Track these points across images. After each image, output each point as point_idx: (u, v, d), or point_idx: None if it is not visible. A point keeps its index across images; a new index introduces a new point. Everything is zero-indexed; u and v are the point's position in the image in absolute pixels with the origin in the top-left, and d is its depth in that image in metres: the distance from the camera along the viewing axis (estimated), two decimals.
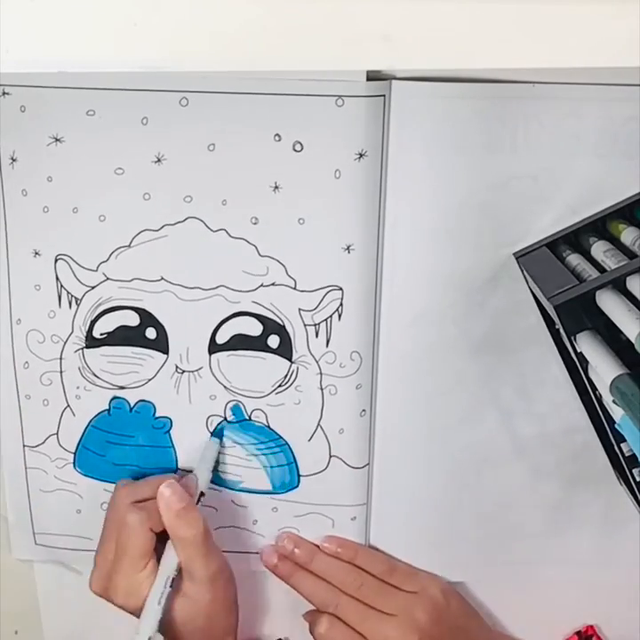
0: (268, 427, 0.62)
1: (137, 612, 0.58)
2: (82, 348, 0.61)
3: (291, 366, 0.60)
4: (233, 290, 0.59)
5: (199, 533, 0.57)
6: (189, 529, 0.57)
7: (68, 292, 0.60)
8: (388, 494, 0.63)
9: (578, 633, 0.66)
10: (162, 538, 0.59)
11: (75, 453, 0.64)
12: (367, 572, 0.63)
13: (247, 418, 0.62)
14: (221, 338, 0.60)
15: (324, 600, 0.62)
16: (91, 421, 0.63)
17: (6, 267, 0.60)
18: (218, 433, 0.62)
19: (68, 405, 0.63)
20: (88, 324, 0.61)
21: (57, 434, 0.63)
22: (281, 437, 0.62)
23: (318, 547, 0.64)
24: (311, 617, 0.63)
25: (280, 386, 0.61)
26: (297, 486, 0.63)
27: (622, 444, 0.54)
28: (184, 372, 0.61)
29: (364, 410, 0.61)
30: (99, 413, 0.63)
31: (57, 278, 0.60)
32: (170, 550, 0.58)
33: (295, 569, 0.63)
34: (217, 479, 0.63)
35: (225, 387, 0.61)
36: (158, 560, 0.58)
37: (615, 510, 0.62)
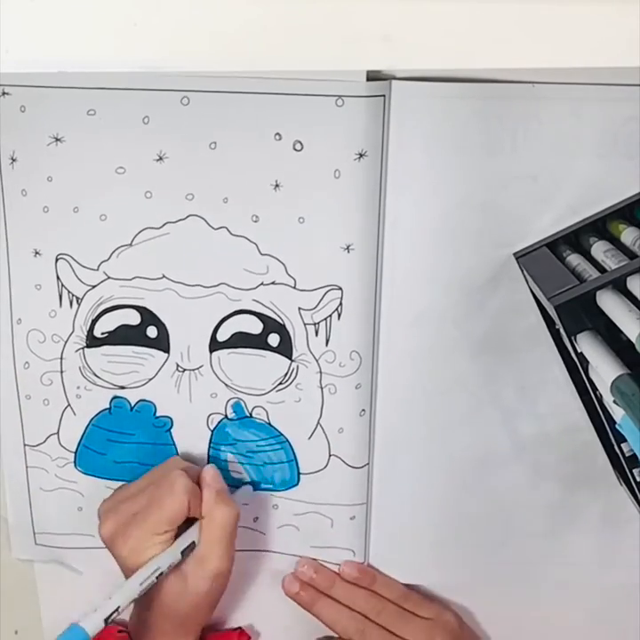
0: (269, 423, 0.62)
1: (130, 573, 0.57)
2: (82, 348, 0.61)
3: (291, 365, 0.60)
4: (234, 288, 0.59)
5: (231, 520, 0.58)
6: (225, 512, 0.57)
7: (69, 292, 0.60)
8: (388, 494, 0.63)
9: None
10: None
11: (75, 452, 0.64)
12: (384, 597, 0.63)
13: (248, 415, 0.62)
14: (222, 336, 0.60)
15: (347, 627, 0.63)
16: (91, 420, 0.63)
17: (7, 266, 0.60)
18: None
19: (69, 405, 0.63)
20: (89, 324, 0.61)
21: (57, 433, 0.63)
22: (281, 434, 0.62)
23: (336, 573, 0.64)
24: None
25: (280, 384, 0.61)
26: (297, 484, 0.63)
27: (622, 445, 0.54)
28: (185, 370, 0.61)
29: (363, 409, 0.61)
30: (99, 412, 0.63)
31: (58, 278, 0.60)
32: (181, 541, 0.58)
33: (318, 596, 0.64)
34: None
35: (226, 384, 0.61)
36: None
37: (615, 511, 0.62)
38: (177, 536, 0.58)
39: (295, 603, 0.64)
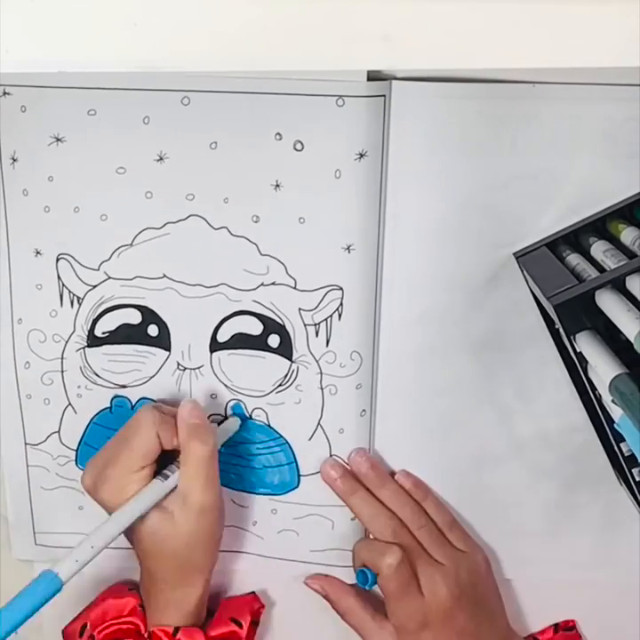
0: (269, 425, 0.62)
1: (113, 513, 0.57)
2: (83, 348, 0.61)
3: (291, 366, 0.60)
4: (234, 288, 0.59)
5: (207, 453, 0.57)
6: (201, 445, 0.57)
7: (70, 291, 0.60)
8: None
9: (555, 625, 0.65)
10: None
11: (76, 450, 0.64)
12: (430, 517, 0.62)
13: (248, 417, 0.62)
14: (222, 336, 0.60)
15: (384, 527, 0.60)
16: (92, 419, 0.63)
17: (8, 266, 0.60)
18: (239, 413, 0.62)
19: (70, 404, 0.63)
20: (90, 323, 0.61)
21: (59, 431, 0.64)
22: (281, 436, 0.62)
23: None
24: (372, 547, 0.61)
25: (280, 385, 0.61)
26: (297, 486, 0.63)
27: (622, 444, 0.54)
28: (185, 369, 0.61)
29: (364, 410, 0.61)
30: (100, 411, 0.63)
31: (58, 277, 0.60)
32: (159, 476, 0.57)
33: (357, 487, 0.61)
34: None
35: (226, 385, 0.61)
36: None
37: (615, 510, 0.62)
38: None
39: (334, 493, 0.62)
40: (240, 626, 0.62)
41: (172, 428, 0.57)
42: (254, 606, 0.64)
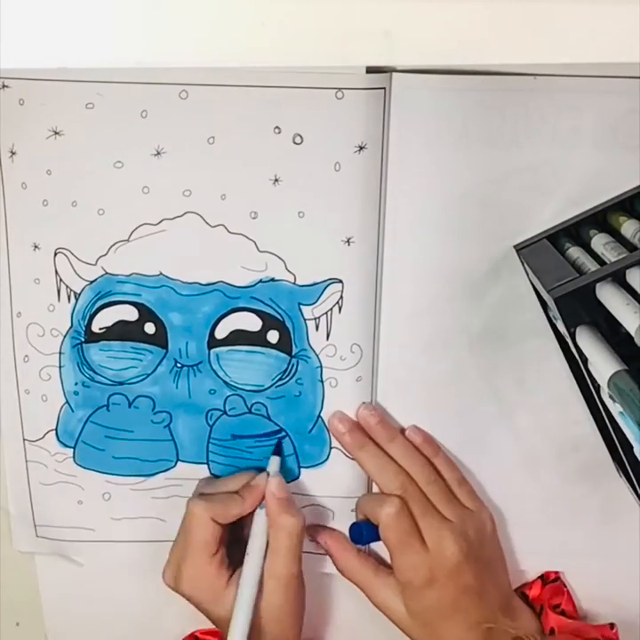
0: (269, 418, 0.62)
1: (202, 606, 0.59)
2: (81, 343, 0.61)
3: (290, 360, 0.60)
4: (231, 286, 0.59)
5: (299, 526, 0.58)
6: (291, 518, 0.58)
7: (67, 286, 0.60)
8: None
9: (541, 577, 0.65)
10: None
11: (74, 448, 0.64)
12: (440, 473, 0.61)
13: (247, 411, 0.62)
14: (220, 333, 0.60)
15: (392, 480, 0.59)
16: (89, 416, 0.63)
17: (6, 259, 0.60)
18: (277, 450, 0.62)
19: (67, 402, 0.62)
20: (87, 319, 0.61)
21: (56, 429, 0.63)
22: (282, 429, 0.62)
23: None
24: (372, 498, 0.61)
25: (280, 380, 0.61)
26: (297, 478, 0.63)
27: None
28: (183, 366, 0.61)
29: (364, 402, 0.61)
30: (97, 409, 0.63)
31: (56, 272, 0.60)
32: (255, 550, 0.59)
33: (366, 441, 0.60)
34: (219, 471, 0.63)
35: (224, 382, 0.61)
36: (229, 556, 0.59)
37: (614, 502, 0.62)
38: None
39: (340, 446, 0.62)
40: None
41: (222, 506, 0.58)
42: None
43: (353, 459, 0.61)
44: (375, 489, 0.62)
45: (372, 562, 0.62)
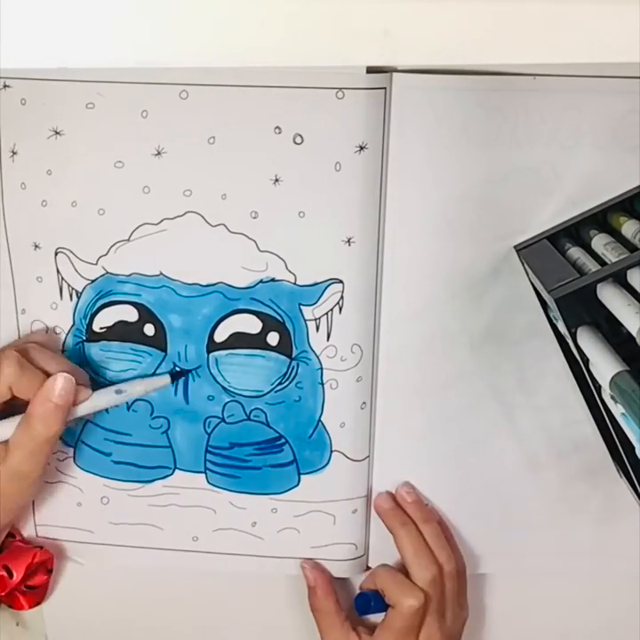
0: (268, 425, 0.61)
1: None
2: (82, 342, 0.61)
3: (291, 363, 0.60)
4: (232, 287, 0.59)
5: (42, 438, 0.54)
6: (42, 428, 0.54)
7: (69, 285, 0.60)
8: (388, 487, 0.63)
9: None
10: None
11: (74, 448, 0.64)
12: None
13: (246, 418, 0.61)
14: (220, 336, 0.60)
15: (424, 570, 0.60)
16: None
17: (8, 258, 0.60)
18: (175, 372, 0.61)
19: None
20: (88, 318, 0.61)
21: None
22: (281, 436, 0.62)
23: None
24: (398, 582, 0.61)
25: (280, 384, 0.60)
26: (297, 485, 0.63)
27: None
28: (182, 370, 0.61)
29: (364, 402, 0.61)
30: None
31: (57, 271, 0.60)
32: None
33: (408, 521, 0.61)
34: (216, 480, 0.63)
35: (223, 387, 0.61)
36: None
37: (614, 502, 0.62)
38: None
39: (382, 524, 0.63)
40: (11, 575, 0.61)
41: (29, 382, 0.55)
42: (37, 558, 0.63)
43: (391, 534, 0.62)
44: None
45: (344, 614, 0.63)
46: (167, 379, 0.60)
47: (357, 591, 0.64)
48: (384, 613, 0.61)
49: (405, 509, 0.62)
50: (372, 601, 0.61)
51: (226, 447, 0.62)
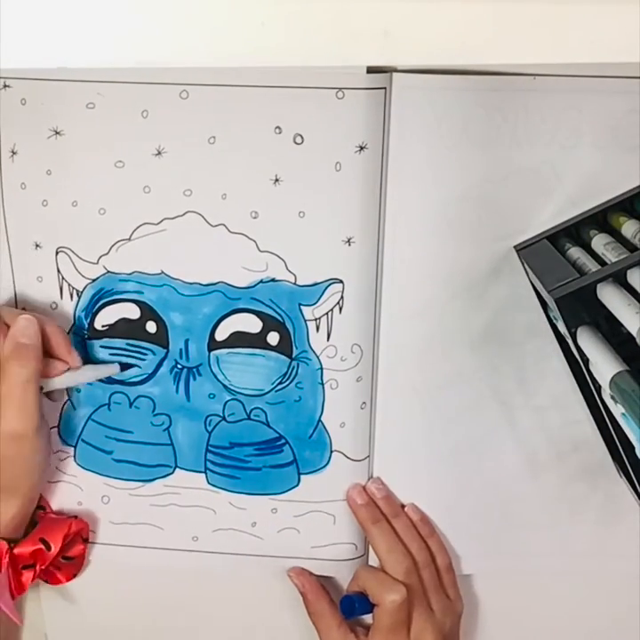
0: (268, 425, 0.62)
1: None
2: (84, 340, 0.61)
3: (291, 363, 0.60)
4: (232, 286, 0.59)
5: (23, 377, 0.54)
6: (19, 368, 0.54)
7: (70, 285, 0.60)
8: (388, 486, 0.63)
9: None
10: None
11: (75, 447, 0.64)
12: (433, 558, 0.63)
13: (246, 417, 0.62)
14: (220, 335, 0.60)
15: (398, 564, 0.61)
16: (90, 415, 0.63)
17: (8, 258, 0.60)
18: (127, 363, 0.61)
19: (69, 399, 0.63)
20: (90, 316, 0.61)
21: (58, 427, 0.63)
22: (281, 436, 0.62)
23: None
24: (379, 580, 0.61)
25: (280, 383, 0.60)
26: (297, 485, 0.63)
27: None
28: (183, 368, 0.61)
29: (364, 402, 0.61)
30: (98, 407, 0.63)
31: (58, 271, 0.60)
32: None
33: (380, 518, 0.62)
34: (216, 480, 0.63)
35: (224, 386, 0.61)
36: None
37: (614, 502, 0.62)
38: None
39: (356, 519, 0.63)
40: (48, 548, 0.61)
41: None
42: (73, 528, 0.62)
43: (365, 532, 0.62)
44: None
45: (340, 615, 0.63)
46: (116, 367, 0.60)
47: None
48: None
49: (377, 504, 0.62)
50: (356, 603, 0.61)
51: (226, 447, 0.62)
